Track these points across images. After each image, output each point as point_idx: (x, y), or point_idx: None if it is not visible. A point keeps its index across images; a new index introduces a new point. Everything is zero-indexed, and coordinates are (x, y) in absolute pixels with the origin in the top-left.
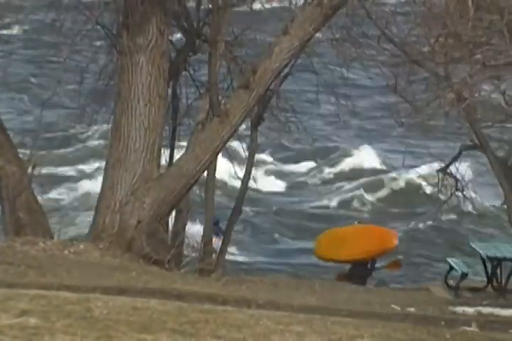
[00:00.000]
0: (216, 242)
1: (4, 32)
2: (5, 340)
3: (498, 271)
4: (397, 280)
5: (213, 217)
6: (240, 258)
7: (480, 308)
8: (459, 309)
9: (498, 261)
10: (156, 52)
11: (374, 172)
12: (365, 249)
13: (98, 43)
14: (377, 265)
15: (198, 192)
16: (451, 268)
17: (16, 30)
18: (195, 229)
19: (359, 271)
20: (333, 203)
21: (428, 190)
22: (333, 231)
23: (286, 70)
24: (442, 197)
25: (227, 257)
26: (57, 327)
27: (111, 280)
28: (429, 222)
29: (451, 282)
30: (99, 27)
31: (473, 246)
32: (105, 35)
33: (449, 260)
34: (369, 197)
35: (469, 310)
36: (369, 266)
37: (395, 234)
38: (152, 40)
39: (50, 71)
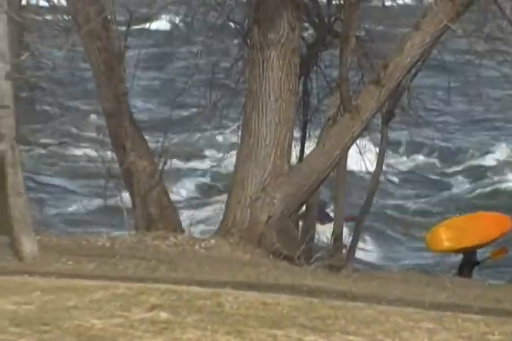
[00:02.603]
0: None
1: (136, 27)
2: (136, 334)
3: None
4: None
5: (320, 200)
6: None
7: None
8: None
9: None
10: (287, 48)
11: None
12: (485, 234)
13: (229, 39)
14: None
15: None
16: None
17: (146, 24)
18: (325, 225)
19: (471, 259)
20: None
21: None
22: (448, 222)
23: (417, 66)
24: None
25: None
26: (188, 322)
27: (241, 275)
28: None
29: None
30: (230, 23)
31: None
32: (236, 30)
33: None
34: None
35: None
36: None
37: (508, 218)
38: (283, 36)
39: (181, 67)
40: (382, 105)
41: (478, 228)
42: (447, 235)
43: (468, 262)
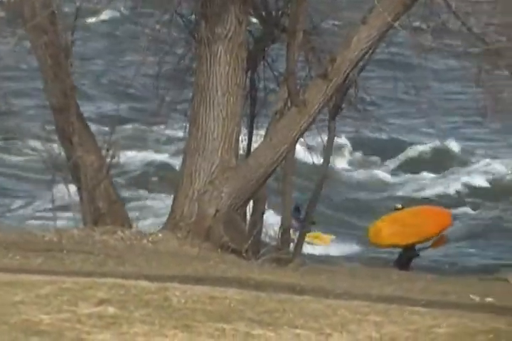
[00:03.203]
0: (295, 228)
1: (83, 21)
2: (83, 329)
3: None
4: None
5: (295, 202)
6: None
7: None
8: None
9: None
10: (234, 42)
11: (459, 162)
12: (426, 230)
13: (176, 33)
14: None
15: (276, 181)
16: None
17: (93, 19)
18: (273, 219)
19: (409, 254)
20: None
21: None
22: (391, 216)
23: (364, 60)
24: None
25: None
26: (135, 317)
27: (189, 269)
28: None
29: None
30: (178, 17)
31: None
32: (183, 25)
33: None
34: (455, 187)
35: None
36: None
37: (449, 213)
38: (231, 30)
39: (128, 61)
40: (330, 99)
41: (419, 224)
42: (389, 230)
43: (407, 256)
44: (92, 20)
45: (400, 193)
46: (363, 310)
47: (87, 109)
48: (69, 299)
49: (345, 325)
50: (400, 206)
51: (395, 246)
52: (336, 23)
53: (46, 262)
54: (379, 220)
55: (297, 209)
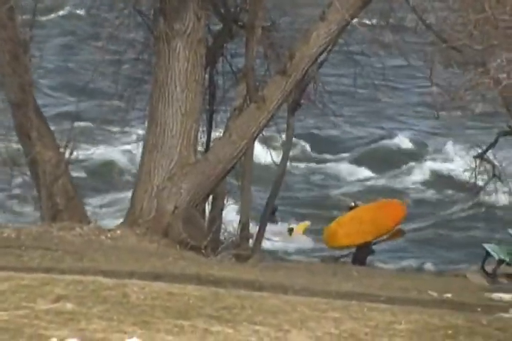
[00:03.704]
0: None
1: (42, 18)
2: (41, 325)
3: None
4: (434, 262)
5: (272, 206)
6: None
7: None
8: (496, 295)
9: None
10: (193, 38)
11: (410, 158)
12: (381, 227)
13: (135, 29)
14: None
15: (235, 177)
16: (488, 254)
17: (52, 15)
18: (232, 215)
19: (364, 251)
20: (363, 188)
21: (465, 176)
22: (344, 216)
23: (323, 56)
24: (479, 183)
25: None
26: (94, 313)
27: (147, 265)
28: (466, 208)
29: (488, 268)
30: (136, 13)
31: (510, 232)
32: (142, 21)
33: (486, 246)
34: (406, 183)
35: (506, 296)
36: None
37: (403, 204)
38: (189, 26)
39: (87, 58)
40: (289, 95)
41: (375, 220)
42: (344, 230)
43: (362, 253)
44: (50, 16)
45: (355, 188)
46: (322, 306)
47: (45, 105)
48: (27, 295)
49: (305, 322)
50: (353, 204)
51: (353, 245)
52: (295, 19)
53: (4, 258)
54: (334, 222)
55: (273, 213)
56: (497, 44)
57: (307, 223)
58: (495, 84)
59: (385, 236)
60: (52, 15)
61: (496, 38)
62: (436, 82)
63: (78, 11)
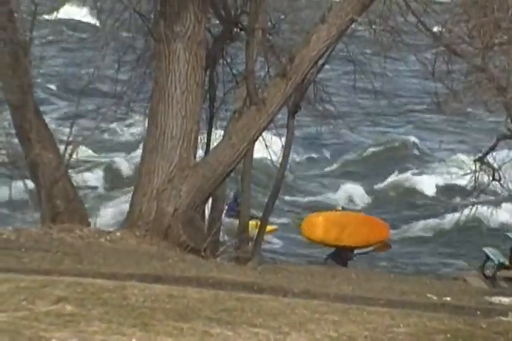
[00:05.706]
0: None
1: (43, 17)
2: (41, 327)
3: None
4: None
5: (235, 192)
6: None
7: None
8: (495, 299)
9: None
10: (193, 40)
11: (408, 161)
12: (366, 238)
13: (136, 31)
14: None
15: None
16: (488, 257)
17: (53, 16)
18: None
19: (345, 255)
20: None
21: (464, 179)
22: (328, 213)
23: (323, 59)
24: (479, 186)
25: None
26: (93, 315)
27: (147, 268)
28: (466, 212)
29: (487, 272)
30: (137, 15)
31: (509, 235)
32: (143, 23)
33: (486, 250)
34: (404, 186)
35: (505, 300)
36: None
37: (388, 226)
38: (189, 28)
39: (88, 59)
40: (289, 98)
41: (356, 229)
42: (324, 227)
43: (342, 257)
44: (51, 17)
45: (347, 193)
46: (321, 309)
47: (45, 107)
48: (26, 297)
49: (304, 324)
50: (339, 208)
51: (325, 244)
52: (295, 21)
53: (3, 260)
54: (315, 214)
55: (235, 200)
56: (497, 46)
57: (275, 227)
58: (497, 88)
59: (371, 248)
60: (52, 16)
61: (498, 39)
62: (437, 84)
63: (78, 11)
